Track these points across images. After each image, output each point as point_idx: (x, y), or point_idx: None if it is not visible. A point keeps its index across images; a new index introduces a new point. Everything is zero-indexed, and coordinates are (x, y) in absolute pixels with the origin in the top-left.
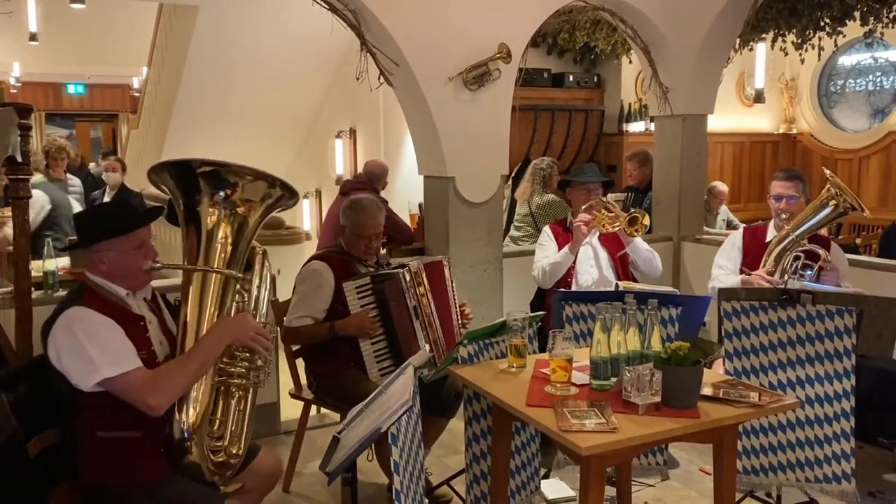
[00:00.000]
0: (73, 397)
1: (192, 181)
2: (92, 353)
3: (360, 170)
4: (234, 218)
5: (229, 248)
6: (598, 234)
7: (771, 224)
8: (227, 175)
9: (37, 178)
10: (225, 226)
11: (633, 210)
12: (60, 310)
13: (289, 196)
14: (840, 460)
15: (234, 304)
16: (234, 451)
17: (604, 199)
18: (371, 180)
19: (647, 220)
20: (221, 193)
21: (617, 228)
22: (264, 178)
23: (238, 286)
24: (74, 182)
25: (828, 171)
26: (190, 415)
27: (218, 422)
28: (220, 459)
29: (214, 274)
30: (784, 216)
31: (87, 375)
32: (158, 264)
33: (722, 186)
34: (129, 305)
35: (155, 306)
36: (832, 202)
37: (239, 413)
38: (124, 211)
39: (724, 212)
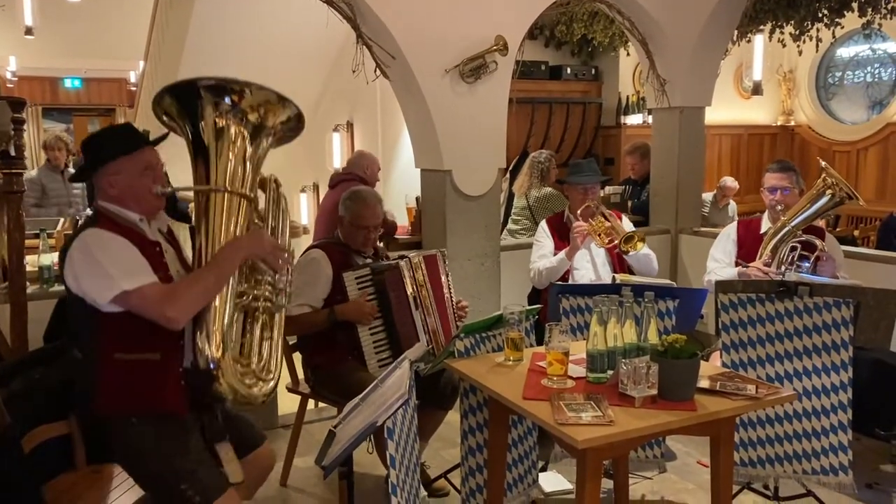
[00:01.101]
0: (90, 320)
1: (195, 98)
2: (108, 268)
3: None
4: (244, 128)
5: (239, 170)
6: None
7: (765, 216)
8: (231, 84)
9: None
10: (233, 138)
11: (630, 230)
12: (75, 234)
13: (297, 118)
14: (837, 452)
15: (249, 229)
16: (264, 376)
17: (600, 203)
18: (352, 168)
19: (640, 245)
20: (227, 101)
21: (610, 244)
22: (271, 91)
23: (253, 214)
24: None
25: (823, 162)
26: (213, 342)
27: (246, 346)
28: (250, 382)
29: (226, 197)
30: (779, 208)
31: (104, 290)
32: (169, 188)
33: (731, 182)
34: (142, 230)
35: (172, 238)
36: (828, 192)
37: (267, 339)
38: (128, 131)
39: (732, 208)
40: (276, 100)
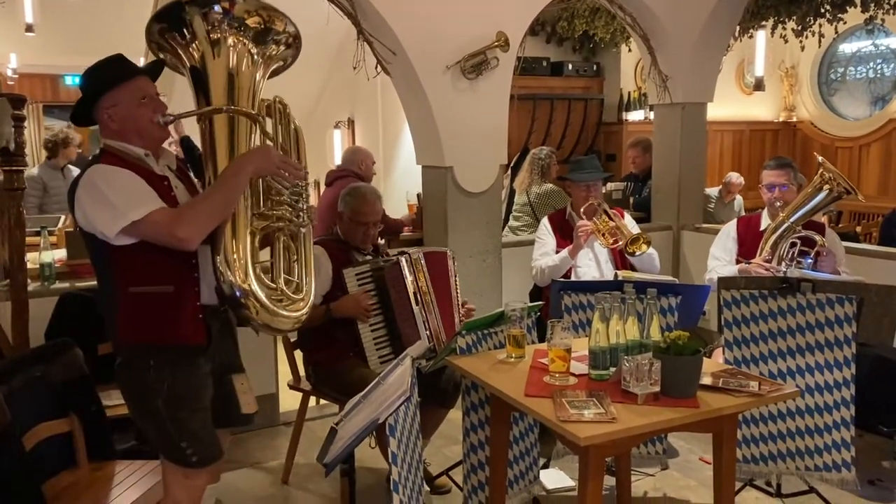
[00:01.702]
0: (103, 257)
1: (184, 20)
2: (114, 200)
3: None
4: (242, 36)
5: (240, 88)
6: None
7: (764, 212)
8: None
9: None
10: (233, 51)
11: (636, 232)
12: (81, 173)
13: (295, 35)
14: (840, 449)
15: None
16: (293, 296)
17: (602, 202)
18: (347, 165)
19: (645, 247)
20: (217, 8)
21: (615, 246)
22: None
23: (257, 133)
24: (75, 171)
25: (820, 157)
26: (236, 268)
27: (275, 270)
28: (278, 302)
29: (230, 120)
30: (778, 204)
31: (113, 222)
32: (170, 116)
33: (736, 178)
34: (148, 165)
35: (183, 175)
36: (826, 187)
37: (292, 258)
38: (118, 61)
39: (738, 205)
40: (268, 6)
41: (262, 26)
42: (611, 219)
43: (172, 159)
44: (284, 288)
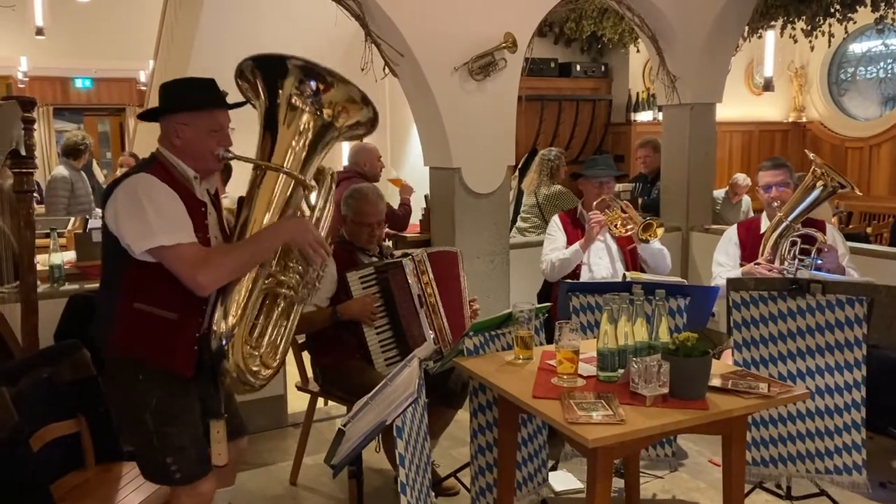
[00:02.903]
0: (119, 262)
1: (282, 72)
2: (151, 217)
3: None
4: (316, 119)
5: (304, 155)
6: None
7: (763, 215)
8: (320, 72)
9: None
10: (304, 126)
11: (648, 217)
12: (127, 175)
13: (371, 120)
14: (851, 451)
15: (297, 214)
16: (268, 362)
17: (615, 198)
18: (351, 165)
19: (661, 231)
20: (313, 84)
21: (630, 232)
22: (356, 90)
23: (303, 200)
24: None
25: (811, 154)
26: (231, 317)
27: (259, 328)
28: (255, 368)
29: (283, 179)
30: (775, 204)
31: (142, 239)
32: (230, 153)
33: (743, 180)
34: (193, 188)
35: (217, 202)
36: (819, 183)
37: (281, 324)
38: (209, 87)
39: (745, 203)
40: (359, 99)
41: (334, 118)
42: (623, 211)
43: (214, 184)
44: (263, 351)
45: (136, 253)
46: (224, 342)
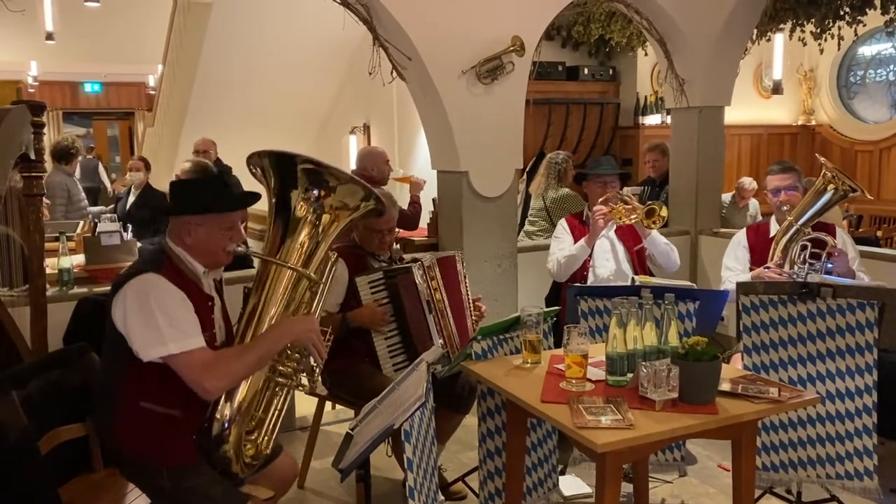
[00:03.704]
0: (124, 361)
1: (290, 173)
2: (161, 324)
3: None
4: (320, 220)
5: (309, 249)
6: (615, 227)
7: (772, 218)
8: (326, 177)
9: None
10: (310, 226)
11: (649, 202)
12: (136, 270)
13: (379, 210)
14: (862, 457)
15: (301, 304)
16: (262, 448)
17: (620, 192)
18: (359, 169)
19: (664, 212)
20: (315, 192)
21: (634, 221)
22: (362, 189)
23: (308, 288)
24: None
25: (821, 158)
26: (234, 406)
27: (257, 418)
28: (250, 453)
29: (289, 271)
30: (784, 208)
31: (152, 346)
32: (242, 248)
33: (749, 183)
34: (202, 284)
35: (220, 288)
36: (830, 186)
37: (276, 411)
38: (226, 190)
39: (753, 208)
40: (364, 197)
41: (337, 218)
42: (626, 203)
43: (219, 273)
44: (258, 437)
45: (144, 358)
46: (225, 426)
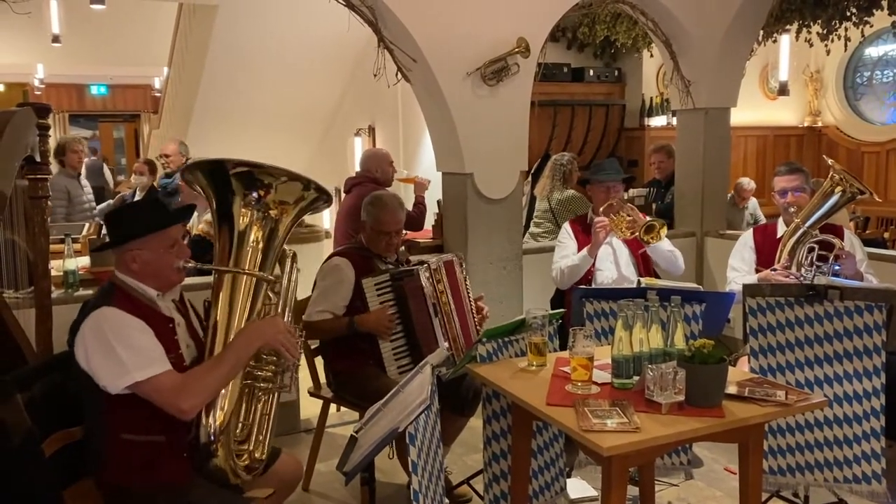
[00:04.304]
0: (98, 398)
1: (225, 181)
2: (122, 355)
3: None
4: (266, 220)
5: (261, 251)
6: None
7: (779, 220)
8: (260, 176)
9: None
10: (257, 228)
11: (650, 219)
12: (89, 309)
13: (323, 199)
14: (870, 460)
15: (265, 306)
16: (257, 456)
17: (624, 202)
18: (364, 171)
19: (664, 231)
20: (255, 194)
21: (632, 236)
22: (298, 180)
23: (268, 289)
24: (85, 182)
25: (829, 160)
26: (217, 418)
27: (242, 425)
28: (245, 463)
29: (246, 276)
30: (792, 209)
31: (117, 378)
32: (191, 263)
33: (747, 184)
34: (158, 307)
35: (182, 307)
36: (838, 189)
37: (264, 417)
38: (156, 209)
39: (752, 206)
40: (303, 187)
41: (282, 215)
42: (628, 214)
43: (177, 292)
44: (251, 445)
45: (113, 391)
46: (212, 438)
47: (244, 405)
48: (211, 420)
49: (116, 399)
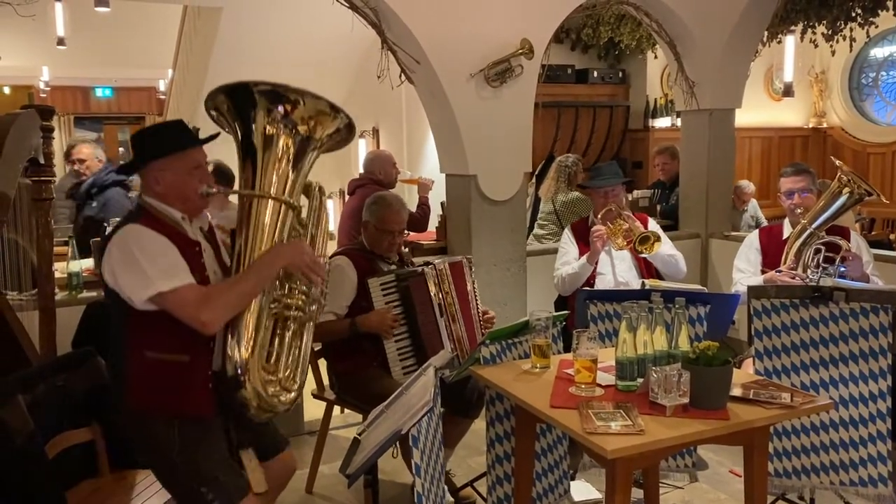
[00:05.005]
0: (123, 316)
1: (249, 101)
2: (146, 267)
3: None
4: (293, 139)
5: (286, 176)
6: None
7: (785, 221)
8: (286, 93)
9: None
10: (283, 147)
11: (644, 231)
12: (117, 227)
13: (346, 129)
14: (876, 463)
15: (291, 237)
16: (289, 386)
17: (622, 207)
18: (367, 173)
19: (657, 246)
20: (280, 109)
21: (626, 247)
22: (325, 102)
23: (295, 220)
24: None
25: (837, 161)
26: (243, 347)
27: (274, 355)
28: (274, 391)
29: (270, 203)
30: (798, 211)
31: (141, 289)
32: (214, 188)
33: (746, 186)
34: (184, 229)
35: (212, 237)
36: (846, 190)
37: (296, 349)
38: (179, 130)
39: (752, 208)
40: (329, 110)
41: (311, 133)
42: (625, 221)
43: (206, 220)
44: (282, 375)
45: (138, 304)
46: (239, 370)
47: (276, 335)
48: (238, 350)
49: (141, 315)
